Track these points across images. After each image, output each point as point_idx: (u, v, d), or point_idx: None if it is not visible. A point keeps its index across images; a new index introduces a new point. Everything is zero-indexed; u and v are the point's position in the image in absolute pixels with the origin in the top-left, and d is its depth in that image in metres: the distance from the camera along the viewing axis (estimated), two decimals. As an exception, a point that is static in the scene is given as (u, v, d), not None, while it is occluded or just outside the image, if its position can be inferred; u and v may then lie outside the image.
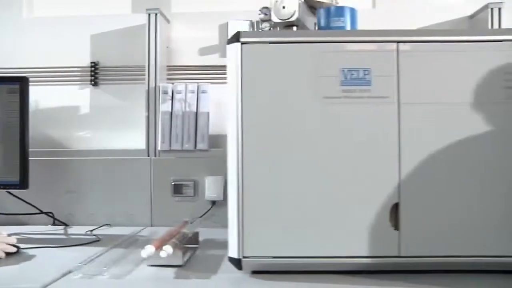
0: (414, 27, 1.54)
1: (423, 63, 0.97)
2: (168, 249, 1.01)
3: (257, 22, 1.50)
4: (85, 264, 1.06)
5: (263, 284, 0.94)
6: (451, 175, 0.96)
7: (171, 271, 1.02)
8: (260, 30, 1.42)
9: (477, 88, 0.96)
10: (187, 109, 1.57)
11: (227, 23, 1.62)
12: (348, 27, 1.12)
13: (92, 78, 1.69)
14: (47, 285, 0.92)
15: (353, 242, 0.96)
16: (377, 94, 0.96)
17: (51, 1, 1.74)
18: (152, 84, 1.59)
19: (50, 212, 1.57)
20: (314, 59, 0.97)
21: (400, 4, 1.65)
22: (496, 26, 1.52)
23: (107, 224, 1.55)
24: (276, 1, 1.12)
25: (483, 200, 0.96)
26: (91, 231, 1.44)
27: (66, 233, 1.47)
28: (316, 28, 1.17)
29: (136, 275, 0.99)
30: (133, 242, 1.30)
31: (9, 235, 1.21)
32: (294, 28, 1.18)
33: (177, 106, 1.58)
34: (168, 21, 1.68)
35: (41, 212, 1.55)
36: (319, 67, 0.96)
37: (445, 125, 0.96)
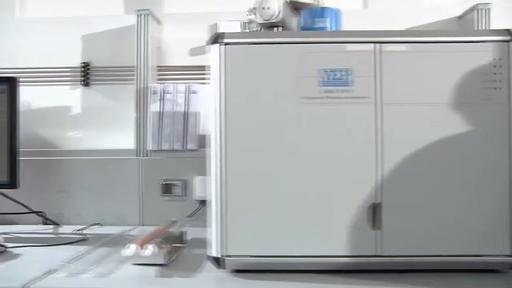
0: (404, 28, 1.56)
1: (403, 64, 0.97)
2: (151, 248, 1.02)
3: (246, 23, 1.51)
4: (70, 263, 1.07)
5: (244, 283, 0.95)
6: (431, 174, 0.97)
7: (154, 270, 1.02)
8: (248, 31, 1.42)
9: (456, 88, 0.97)
10: (177, 109, 1.58)
11: (217, 23, 1.63)
12: (332, 28, 1.12)
13: (83, 78, 1.70)
14: (30, 283, 0.93)
15: (333, 241, 0.97)
16: (358, 95, 0.97)
17: (44, 1, 1.75)
18: (142, 85, 1.60)
19: (42, 212, 1.57)
20: (296, 59, 0.97)
21: (391, 4, 1.66)
22: (484, 27, 1.53)
23: (97, 224, 1.55)
24: (260, 2, 1.13)
25: (463, 199, 0.97)
26: (80, 230, 1.45)
27: (55, 233, 1.48)
28: (300, 29, 1.18)
29: (120, 274, 1.00)
30: (120, 241, 1.31)
31: (-3, 234, 1.22)
32: (279, 29, 1.19)
33: (167, 106, 1.59)
34: (159, 22, 1.69)
35: (32, 212, 1.56)
36: (300, 68, 0.97)
37: (425, 125, 0.97)
